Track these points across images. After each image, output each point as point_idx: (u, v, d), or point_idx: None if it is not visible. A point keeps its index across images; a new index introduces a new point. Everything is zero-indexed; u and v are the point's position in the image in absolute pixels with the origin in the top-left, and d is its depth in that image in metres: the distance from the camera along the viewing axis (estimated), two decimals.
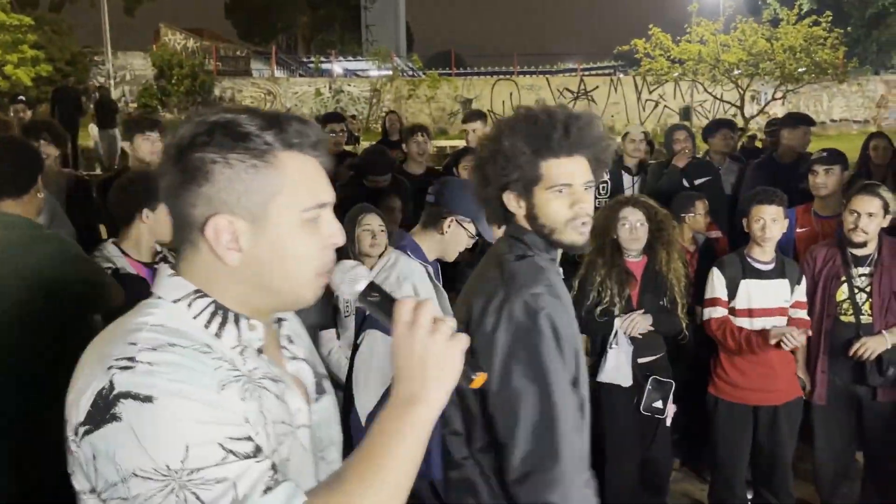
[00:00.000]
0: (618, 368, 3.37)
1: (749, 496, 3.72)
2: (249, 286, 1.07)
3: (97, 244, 2.97)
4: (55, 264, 2.45)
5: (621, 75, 25.78)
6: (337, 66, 28.77)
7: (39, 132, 4.15)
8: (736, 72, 18.33)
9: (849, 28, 22.10)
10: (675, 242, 3.54)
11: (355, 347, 2.65)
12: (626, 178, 5.26)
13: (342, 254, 1.35)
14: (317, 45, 37.58)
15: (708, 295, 3.53)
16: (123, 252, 2.84)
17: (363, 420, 2.50)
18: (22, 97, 9.16)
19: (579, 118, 1.76)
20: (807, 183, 4.06)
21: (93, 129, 14.25)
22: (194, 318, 1.04)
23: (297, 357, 1.20)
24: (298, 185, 1.05)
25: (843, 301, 3.46)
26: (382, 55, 26.11)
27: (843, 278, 3.45)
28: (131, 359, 0.95)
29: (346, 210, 3.26)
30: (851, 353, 3.36)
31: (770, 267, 3.45)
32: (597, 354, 3.45)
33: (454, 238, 2.70)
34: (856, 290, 3.43)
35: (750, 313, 3.43)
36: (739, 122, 15.07)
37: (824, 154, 4.02)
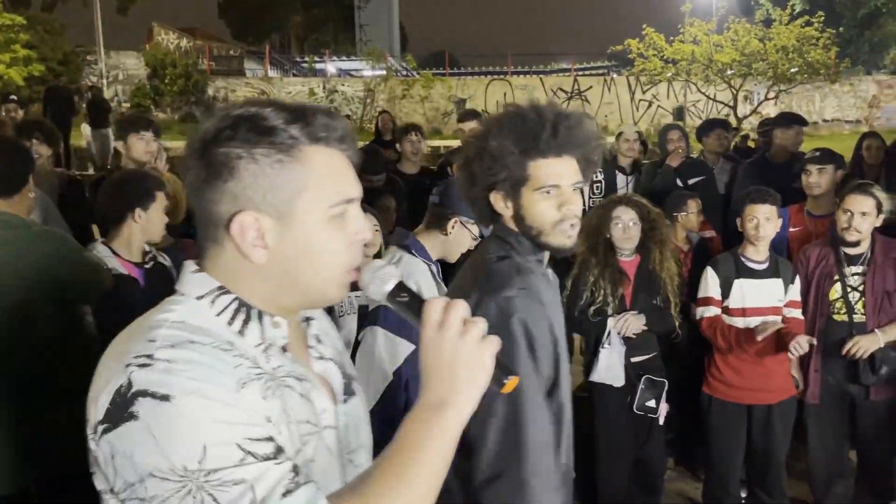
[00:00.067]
0: (609, 368, 3.37)
1: (743, 495, 3.73)
2: (275, 284, 1.04)
3: (88, 244, 2.96)
4: (54, 263, 2.46)
5: (615, 75, 25.82)
6: (331, 66, 28.75)
7: (32, 132, 4.14)
8: (729, 72, 18.41)
9: (841, 28, 22.21)
10: (668, 241, 3.54)
11: (356, 345, 2.64)
12: (620, 178, 5.27)
13: None
14: (310, 45, 37.51)
15: (701, 294, 3.54)
16: (114, 252, 2.82)
17: None
18: (14, 97, 9.13)
19: (568, 117, 1.72)
20: (800, 182, 4.07)
21: (85, 128, 14.21)
22: (217, 315, 1.02)
23: (325, 357, 1.17)
24: (325, 179, 1.03)
25: (836, 300, 3.47)
26: (376, 55, 26.09)
27: (836, 277, 3.46)
28: (150, 356, 0.92)
29: None
30: (844, 352, 3.37)
31: (764, 266, 3.46)
32: (591, 354, 3.45)
33: (458, 239, 2.70)
34: (848, 290, 3.44)
35: (744, 312, 3.44)
36: (732, 122, 15.12)
37: (817, 154, 4.04)
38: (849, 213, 3.36)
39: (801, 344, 3.21)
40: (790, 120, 5.39)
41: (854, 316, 3.44)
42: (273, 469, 0.91)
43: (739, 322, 3.43)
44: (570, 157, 1.72)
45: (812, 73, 18.30)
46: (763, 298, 3.43)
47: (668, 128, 5.61)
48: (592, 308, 3.39)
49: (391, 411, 2.40)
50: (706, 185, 4.95)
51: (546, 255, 1.81)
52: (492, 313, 1.63)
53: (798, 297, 3.48)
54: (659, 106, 23.62)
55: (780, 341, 3.32)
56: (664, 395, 3.38)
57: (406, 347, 2.49)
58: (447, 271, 2.76)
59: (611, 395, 3.39)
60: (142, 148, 3.83)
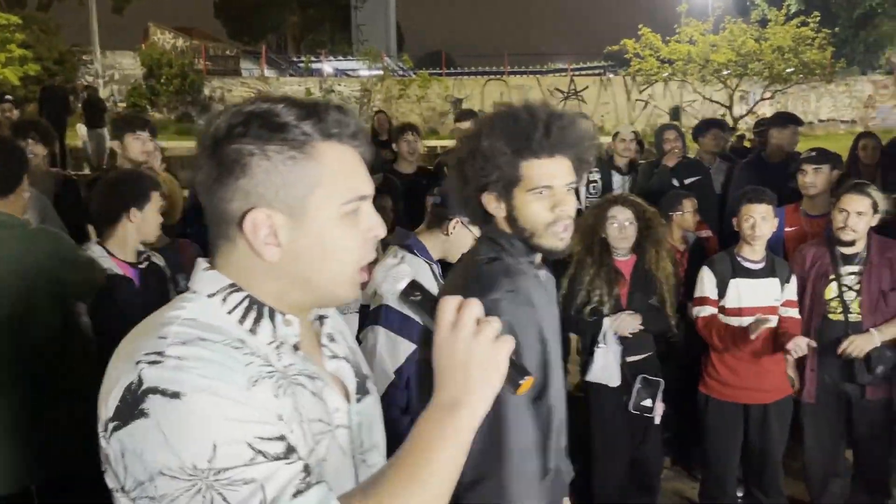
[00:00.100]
0: (605, 368, 3.37)
1: (739, 494, 3.74)
2: (288, 282, 1.03)
3: (83, 244, 2.96)
4: (50, 262, 2.47)
5: (611, 75, 25.87)
6: (327, 66, 28.75)
7: (27, 131, 4.13)
8: (725, 72, 18.46)
9: (836, 28, 22.27)
10: (663, 241, 3.54)
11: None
12: (617, 178, 5.28)
13: None
14: (307, 45, 37.52)
15: (697, 294, 3.54)
16: (109, 252, 2.81)
17: None
18: (9, 96, 9.10)
19: (561, 117, 1.68)
20: (795, 182, 4.08)
21: (81, 128, 14.18)
22: (229, 312, 1.01)
23: (338, 356, 1.16)
24: (338, 176, 1.02)
25: (832, 299, 3.48)
26: (373, 55, 26.08)
27: (832, 277, 3.47)
28: (160, 353, 0.91)
29: None
30: (840, 351, 3.38)
31: (760, 266, 3.47)
32: (587, 354, 3.45)
33: (458, 239, 2.70)
34: (844, 289, 3.45)
35: (740, 312, 3.44)
36: (728, 122, 15.13)
37: (813, 153, 4.04)
38: (845, 213, 3.37)
39: (799, 345, 3.21)
40: (786, 120, 5.39)
41: (850, 315, 3.44)
42: (284, 469, 0.90)
43: (735, 322, 3.44)
44: (563, 157, 1.69)
45: (808, 73, 18.36)
46: (759, 298, 3.44)
47: (665, 128, 5.61)
48: (588, 308, 3.39)
49: (393, 411, 2.40)
50: (702, 184, 4.95)
51: (539, 255, 1.78)
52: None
53: (794, 297, 3.48)
54: (655, 106, 23.66)
55: (777, 341, 3.33)
56: (660, 394, 3.38)
57: (407, 347, 2.49)
58: (448, 271, 2.76)
59: (607, 394, 3.40)
60: (138, 148, 3.82)
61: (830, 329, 3.47)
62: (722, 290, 3.47)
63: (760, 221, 3.38)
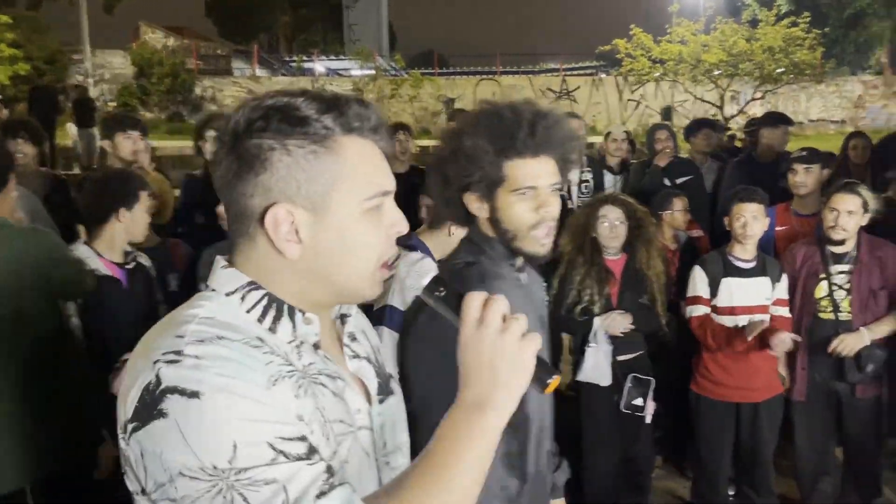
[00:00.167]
0: (596, 367, 3.37)
1: (731, 493, 3.75)
2: (309, 279, 1.01)
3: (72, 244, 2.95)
4: (41, 261, 2.46)
5: (603, 75, 25.92)
6: (319, 66, 28.68)
7: (17, 131, 4.11)
8: (716, 72, 18.52)
9: (827, 29, 22.35)
10: (654, 240, 3.55)
11: None
12: (608, 178, 5.30)
13: None
14: (299, 45, 37.44)
15: (690, 293, 3.55)
16: (97, 253, 2.79)
17: None
18: None
19: (546, 116, 1.63)
20: (786, 181, 4.10)
21: (71, 128, 14.11)
22: (248, 311, 0.99)
23: (359, 356, 1.13)
24: (360, 171, 1.00)
25: (822, 298, 3.49)
26: (365, 54, 26.06)
27: (822, 276, 3.48)
28: (178, 352, 0.89)
29: None
30: (830, 350, 3.40)
31: (751, 265, 3.48)
32: (579, 353, 3.46)
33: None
34: (835, 288, 3.47)
35: (732, 311, 3.45)
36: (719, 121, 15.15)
37: (804, 153, 4.06)
38: (835, 212, 3.38)
39: (783, 340, 3.23)
40: (777, 120, 5.42)
41: (840, 314, 3.46)
42: (306, 469, 0.88)
43: (728, 321, 3.45)
44: (547, 157, 1.63)
45: (798, 73, 18.44)
46: (751, 297, 3.45)
47: (656, 127, 5.63)
48: (579, 307, 3.39)
49: None
50: (694, 184, 4.97)
51: (521, 258, 1.72)
52: (443, 328, 1.56)
53: (785, 296, 3.50)
54: (647, 106, 23.72)
55: (764, 339, 3.34)
56: (651, 393, 3.39)
57: None
58: None
59: (598, 394, 3.40)
60: (129, 147, 3.80)
61: (821, 328, 3.48)
62: (714, 289, 3.48)
63: (752, 221, 3.40)
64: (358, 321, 1.18)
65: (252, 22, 38.32)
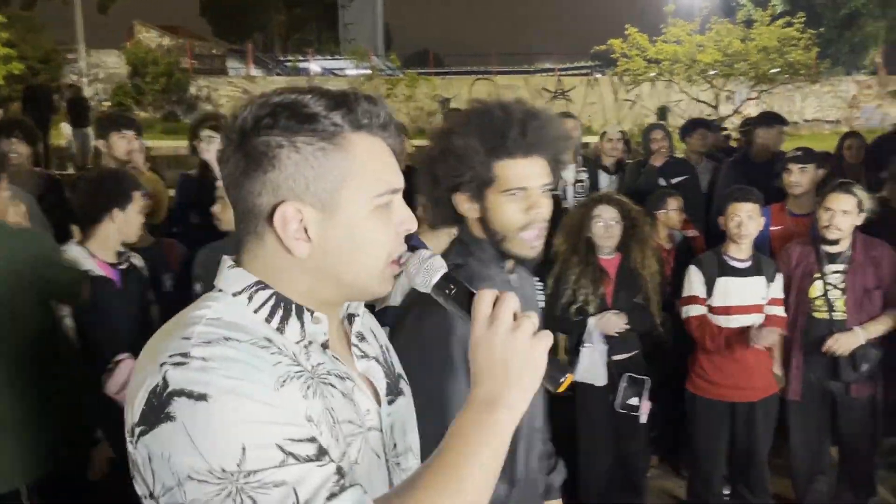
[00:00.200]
0: (591, 367, 3.37)
1: (726, 492, 3.75)
2: (318, 277, 1.00)
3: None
4: (35, 262, 2.45)
5: (598, 75, 25.94)
6: (314, 65, 28.66)
7: (11, 130, 4.09)
8: (711, 72, 18.55)
9: (821, 29, 22.38)
10: (649, 240, 3.56)
11: None
12: (604, 178, 5.30)
13: None
14: (294, 44, 37.41)
15: (686, 293, 3.55)
16: (90, 253, 2.78)
17: None
18: None
19: (537, 116, 1.60)
20: (781, 181, 4.10)
21: (66, 127, 14.08)
22: (255, 311, 0.97)
23: (368, 356, 1.12)
24: (369, 168, 0.99)
25: (817, 298, 3.50)
26: (360, 54, 26.04)
27: (817, 275, 3.49)
28: (185, 354, 0.88)
29: None
30: (825, 349, 3.40)
31: (746, 265, 3.48)
32: (574, 353, 3.46)
33: None
34: (829, 287, 3.47)
35: (727, 311, 3.45)
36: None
37: (799, 153, 4.07)
38: (830, 212, 3.39)
39: (763, 336, 3.24)
40: (771, 119, 5.43)
41: (834, 314, 3.46)
42: (315, 471, 0.87)
43: (723, 320, 3.45)
44: (538, 157, 1.60)
45: (793, 73, 18.48)
46: (746, 297, 3.45)
47: (652, 127, 5.64)
48: (574, 307, 3.39)
49: None
50: (689, 184, 4.97)
51: (510, 260, 1.69)
52: (428, 329, 1.54)
53: (780, 295, 3.50)
54: (642, 106, 23.75)
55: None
56: (646, 392, 3.39)
57: None
58: None
59: (593, 394, 3.40)
60: (123, 146, 3.79)
61: (815, 327, 3.49)
62: (709, 288, 3.49)
63: (747, 220, 3.40)
64: (366, 321, 1.17)
65: (247, 21, 38.28)
